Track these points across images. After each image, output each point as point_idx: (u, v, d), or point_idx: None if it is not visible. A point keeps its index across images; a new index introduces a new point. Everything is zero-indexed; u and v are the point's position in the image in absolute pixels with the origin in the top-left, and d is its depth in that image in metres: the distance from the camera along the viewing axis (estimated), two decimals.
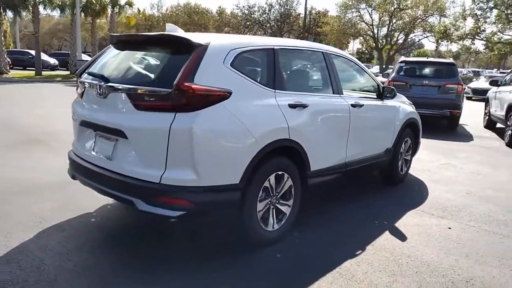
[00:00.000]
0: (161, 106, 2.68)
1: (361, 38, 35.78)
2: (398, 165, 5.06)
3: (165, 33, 3.01)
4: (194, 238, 3.38)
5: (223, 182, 2.77)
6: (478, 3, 27.00)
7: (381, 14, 33.61)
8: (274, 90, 3.17)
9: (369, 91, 4.55)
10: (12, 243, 3.09)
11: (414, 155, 5.56)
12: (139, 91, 2.76)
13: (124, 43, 3.33)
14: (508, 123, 8.43)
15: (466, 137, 9.29)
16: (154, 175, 2.70)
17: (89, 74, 3.22)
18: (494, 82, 10.44)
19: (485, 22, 27.51)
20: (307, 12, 37.61)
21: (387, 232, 3.65)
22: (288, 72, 3.37)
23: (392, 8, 32.16)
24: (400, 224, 3.85)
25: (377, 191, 4.93)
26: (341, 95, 3.94)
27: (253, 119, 2.94)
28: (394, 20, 33.52)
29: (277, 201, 3.24)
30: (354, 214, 4.09)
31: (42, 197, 4.07)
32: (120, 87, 2.86)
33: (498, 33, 27.52)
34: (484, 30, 27.42)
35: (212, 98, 2.71)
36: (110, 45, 3.41)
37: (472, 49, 28.28)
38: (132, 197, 2.78)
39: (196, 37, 2.88)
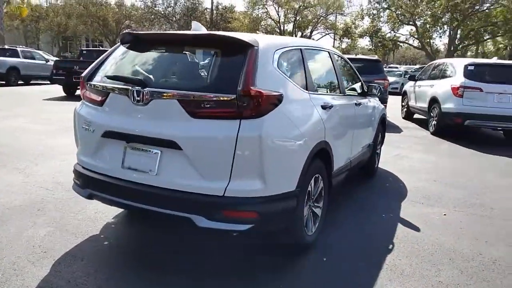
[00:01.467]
0: (223, 113, 2.47)
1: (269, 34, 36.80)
2: (375, 158, 5.38)
3: (213, 32, 2.76)
4: (226, 251, 3.20)
5: (284, 189, 2.67)
6: (374, 4, 29.66)
7: (286, 11, 34.98)
8: (308, 92, 3.13)
9: (356, 89, 4.74)
10: (30, 281, 2.60)
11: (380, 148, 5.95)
12: (195, 97, 2.50)
13: (153, 43, 2.98)
14: (431, 114, 9.45)
15: (396, 128, 10.17)
16: (217, 188, 2.49)
17: (113, 78, 2.81)
18: (412, 77, 11.62)
19: (380, 21, 30.34)
20: (214, 7, 37.51)
21: (399, 225, 3.85)
22: (312, 72, 3.34)
23: (297, 6, 33.67)
24: (404, 216, 4.10)
25: (358, 183, 5.15)
26: (345, 95, 4.04)
27: (302, 122, 2.88)
28: (298, 18, 35.13)
29: (313, 205, 3.22)
30: (352, 209, 4.23)
31: (27, 222, 3.48)
32: (169, 93, 2.56)
33: (391, 32, 30.59)
34: (380, 29, 30.22)
35: (273, 103, 2.58)
36: (122, 44, 3.03)
37: (371, 47, 30.99)
38: (190, 213, 2.53)
39: (243, 37, 2.71)
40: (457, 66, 9.06)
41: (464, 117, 8.37)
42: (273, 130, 2.54)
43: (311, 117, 3.03)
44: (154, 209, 2.66)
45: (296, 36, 37.09)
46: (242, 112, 2.44)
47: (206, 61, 2.73)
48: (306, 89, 3.13)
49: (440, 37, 29.00)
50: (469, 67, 8.64)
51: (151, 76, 2.73)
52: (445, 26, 28.41)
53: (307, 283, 2.77)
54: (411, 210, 4.28)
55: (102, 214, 3.72)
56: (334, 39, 37.28)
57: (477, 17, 25.20)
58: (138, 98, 2.61)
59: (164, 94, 2.57)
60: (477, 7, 24.04)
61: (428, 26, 28.04)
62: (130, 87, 2.65)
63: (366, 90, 4.74)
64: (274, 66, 2.75)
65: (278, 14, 35.10)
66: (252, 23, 34.79)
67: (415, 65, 52.88)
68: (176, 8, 39.86)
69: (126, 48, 3.02)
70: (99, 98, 2.88)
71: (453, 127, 8.81)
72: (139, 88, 2.61)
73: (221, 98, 2.45)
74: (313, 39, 39.60)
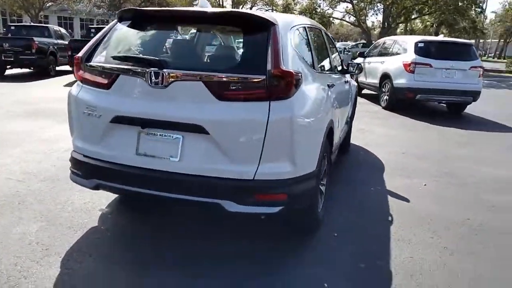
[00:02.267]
0: (252, 94, 2.38)
1: None
2: (350, 133, 5.56)
3: (234, 10, 2.61)
4: (237, 234, 3.15)
5: (309, 170, 2.66)
6: None
7: None
8: (315, 71, 3.12)
9: (338, 66, 4.80)
10: (43, 283, 2.37)
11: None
12: (223, 79, 2.37)
13: (163, 20, 2.75)
14: (383, 89, 9.89)
15: None
16: (247, 172, 2.42)
17: (123, 59, 2.57)
18: (361, 54, 12.01)
19: None
20: None
21: (389, 197, 4.04)
22: (314, 51, 3.31)
23: None
24: (389, 188, 4.29)
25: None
26: (337, 72, 4.08)
27: (318, 102, 2.87)
28: None
29: (320, 183, 3.26)
30: (341, 184, 4.33)
31: (11, 218, 3.16)
32: (194, 75, 2.40)
33: (329, 9, 31.25)
34: (319, 6, 30.72)
35: (299, 83, 2.53)
36: (121, 21, 2.78)
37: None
38: (219, 199, 2.44)
39: (262, 14, 2.60)
40: (408, 43, 9.51)
41: (416, 92, 8.87)
42: (300, 110, 2.51)
43: (323, 96, 3.03)
44: (178, 197, 2.53)
45: None
46: (271, 93, 2.37)
47: (227, 40, 2.59)
48: (313, 68, 3.11)
49: (377, 14, 29.92)
50: (419, 44, 9.11)
51: (168, 57, 2.53)
52: (379, 4, 29.58)
53: (328, 258, 2.83)
54: (393, 182, 4.49)
55: (92, 203, 3.49)
56: None
57: None
58: (157, 80, 2.42)
59: (188, 76, 2.41)
60: None
61: (364, 4, 29.01)
62: (146, 69, 2.45)
63: (347, 67, 4.82)
64: (292, 45, 2.69)
65: None
66: None
67: (347, 41, 54.65)
68: None
69: (127, 26, 2.77)
70: (105, 81, 2.62)
71: (404, 101, 9.31)
72: (157, 69, 2.42)
73: (251, 79, 2.36)
74: None
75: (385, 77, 9.76)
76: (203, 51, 2.66)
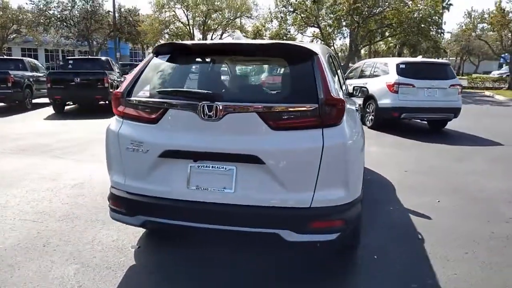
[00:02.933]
0: (306, 123, 2.42)
1: (179, 38, 35.98)
2: None
3: (278, 41, 2.65)
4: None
5: (358, 194, 2.70)
6: (281, 7, 30.81)
7: (194, 14, 34.64)
8: (346, 96, 3.21)
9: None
10: None
11: None
12: (276, 109, 2.40)
13: (205, 53, 2.77)
14: (367, 110, 10.20)
15: None
16: (303, 200, 2.43)
17: (170, 93, 2.56)
18: None
19: (286, 24, 31.62)
20: (116, 10, 35.62)
21: (410, 215, 4.11)
22: (339, 77, 3.41)
23: (205, 9, 33.53)
24: (408, 206, 4.38)
25: None
26: (351, 97, 4.20)
27: (357, 125, 2.96)
28: (208, 20, 35.03)
29: None
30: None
31: (41, 261, 3.00)
32: (248, 106, 2.42)
33: (298, 34, 32.10)
34: (289, 31, 31.52)
35: (345, 109, 2.59)
36: (159, 55, 2.77)
37: None
38: (277, 229, 2.44)
39: (304, 44, 2.67)
40: (389, 65, 9.91)
41: (401, 111, 9.21)
42: (349, 136, 2.56)
43: (356, 120, 3.11)
44: (234, 229, 2.50)
45: (206, 39, 37.03)
46: (323, 121, 2.42)
47: (274, 70, 2.63)
48: (344, 94, 3.20)
49: (345, 37, 31.00)
50: (401, 66, 9.52)
51: (217, 89, 2.55)
52: (345, 29, 30.72)
53: (378, 281, 2.84)
54: (408, 200, 4.58)
55: (121, 241, 3.37)
56: None
57: (374, 20, 27.70)
58: (210, 113, 2.42)
59: (242, 108, 2.43)
60: (374, 11, 26.44)
61: (331, 28, 30.06)
62: (197, 102, 2.45)
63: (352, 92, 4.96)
64: (330, 72, 2.76)
65: (187, 17, 34.63)
66: (161, 25, 33.80)
67: None
68: (74, 11, 36.96)
69: (166, 60, 2.77)
70: (152, 115, 2.60)
71: (389, 120, 9.62)
72: (210, 102, 2.42)
73: (304, 108, 2.40)
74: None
75: (369, 98, 10.08)
76: (251, 82, 2.68)
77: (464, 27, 30.37)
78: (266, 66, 2.73)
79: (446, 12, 26.66)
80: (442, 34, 29.54)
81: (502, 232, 3.70)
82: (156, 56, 2.82)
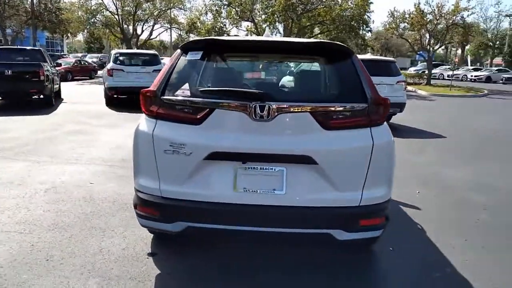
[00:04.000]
0: (356, 122, 2.45)
1: (107, 29, 33.87)
2: None
3: (321, 40, 2.61)
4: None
5: (391, 191, 2.78)
6: (216, 0, 30.50)
7: (123, 3, 32.91)
8: None
9: None
10: None
11: None
12: (330, 109, 2.40)
13: (243, 50, 2.65)
14: None
15: None
16: (353, 199, 2.47)
17: (216, 92, 2.43)
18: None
19: (221, 17, 31.40)
20: None
21: (400, 207, 4.35)
22: None
23: None
24: (397, 198, 4.60)
25: None
26: None
27: None
28: (138, 11, 33.48)
29: None
30: None
31: (54, 278, 2.71)
32: (302, 106, 2.38)
33: (233, 27, 32.04)
34: (224, 25, 31.29)
35: None
36: (191, 51, 2.62)
37: None
38: (330, 229, 2.45)
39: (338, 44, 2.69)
40: None
41: None
42: (391, 134, 2.63)
43: None
44: (285, 231, 2.46)
45: (136, 30, 35.44)
46: (371, 120, 2.47)
47: (316, 69, 2.61)
48: None
49: (280, 33, 31.48)
50: None
51: (268, 89, 2.48)
52: (278, 24, 31.30)
53: (401, 272, 2.98)
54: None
55: (133, 249, 3.16)
56: (180, 34, 37.24)
57: (307, 16, 28.57)
58: (262, 114, 2.35)
59: (295, 108, 2.38)
60: (308, 7, 27.26)
61: (266, 23, 30.43)
62: (248, 102, 2.36)
63: None
64: None
65: (116, 6, 32.76)
66: (88, 14, 31.60)
67: None
68: None
69: (200, 57, 2.61)
70: (195, 116, 2.44)
71: None
72: (262, 102, 2.35)
73: (354, 108, 2.43)
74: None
75: None
76: (297, 81, 2.63)
77: (387, 26, 32.39)
78: (309, 65, 2.69)
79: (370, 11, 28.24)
80: (370, 32, 31.35)
81: (485, 219, 4.07)
82: (185, 53, 2.66)
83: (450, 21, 29.25)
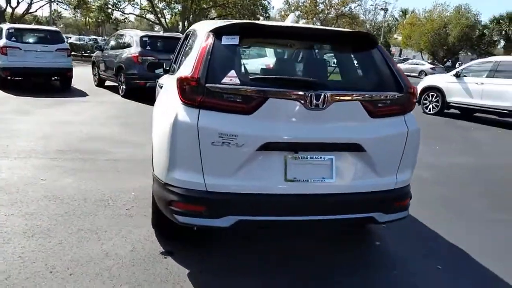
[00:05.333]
0: (394, 110, 2.57)
1: None
2: None
3: (356, 30, 2.61)
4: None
5: None
6: None
7: None
8: None
9: None
10: None
11: None
12: (376, 97, 2.47)
13: (280, 36, 2.58)
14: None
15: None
16: (390, 182, 2.61)
17: (269, 80, 2.32)
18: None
19: None
20: None
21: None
22: None
23: None
24: None
25: None
26: None
27: None
28: None
29: None
30: None
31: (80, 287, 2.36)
32: (355, 95, 2.42)
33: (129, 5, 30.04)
34: (119, 1, 29.03)
35: None
36: (226, 35, 2.45)
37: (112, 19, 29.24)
38: (371, 212, 2.56)
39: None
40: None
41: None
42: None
43: None
44: (333, 218, 2.50)
45: (10, 1, 30.93)
46: (405, 108, 2.62)
47: (354, 58, 2.64)
48: None
49: (177, 14, 30.30)
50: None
51: (320, 78, 2.45)
52: (177, 5, 30.25)
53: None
54: None
55: (141, 250, 2.89)
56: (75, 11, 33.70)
57: None
58: (317, 103, 2.32)
59: (348, 96, 2.41)
60: None
61: (163, 3, 29.24)
62: (305, 91, 2.32)
63: None
64: None
65: None
66: None
67: None
68: None
69: (237, 42, 2.45)
70: (247, 105, 2.30)
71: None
72: (318, 91, 2.33)
73: (394, 96, 2.54)
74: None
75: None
76: (341, 69, 2.62)
77: (282, 13, 33.75)
78: (347, 54, 2.71)
79: None
80: (268, 18, 32.23)
81: (490, 201, 4.52)
82: (217, 37, 2.47)
83: (339, 12, 31.67)
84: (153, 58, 9.76)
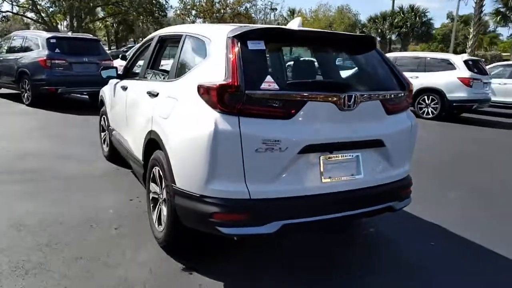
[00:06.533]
0: (402, 107, 2.82)
1: None
2: None
3: (363, 34, 2.75)
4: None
5: None
6: None
7: None
8: None
9: None
10: None
11: None
12: (390, 96, 2.69)
13: (309, 41, 2.67)
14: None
15: None
16: (401, 172, 2.86)
17: (306, 85, 2.38)
18: None
19: None
20: None
21: None
22: None
23: None
24: None
25: None
26: None
27: None
28: None
29: None
30: None
31: None
32: (377, 95, 2.61)
33: None
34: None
35: None
36: (251, 40, 2.42)
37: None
38: (391, 201, 2.78)
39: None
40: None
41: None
42: None
43: None
44: (361, 211, 2.65)
45: None
46: (407, 104, 2.89)
47: (361, 60, 2.81)
48: None
49: (64, 13, 27.65)
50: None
51: (347, 79, 2.58)
52: (64, 2, 27.80)
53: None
54: None
55: (160, 270, 2.71)
56: None
57: None
58: (349, 103, 2.45)
59: (372, 96, 2.58)
60: None
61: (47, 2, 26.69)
62: (339, 93, 2.43)
63: None
64: None
65: None
66: None
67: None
68: None
69: (263, 47, 2.42)
70: (287, 110, 2.33)
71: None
72: (350, 93, 2.46)
73: (402, 94, 2.79)
74: None
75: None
76: (359, 71, 2.76)
77: (178, 12, 33.19)
78: (360, 56, 2.85)
79: None
80: (165, 17, 31.41)
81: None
82: (242, 42, 2.43)
83: (236, 11, 32.26)
84: (64, 61, 9.31)
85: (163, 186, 2.81)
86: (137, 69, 4.51)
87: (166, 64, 4.02)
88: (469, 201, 4.43)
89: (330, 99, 2.43)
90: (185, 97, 2.61)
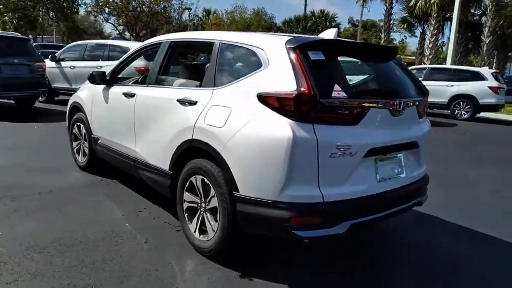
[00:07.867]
0: (425, 111, 3.18)
1: None
2: None
3: (393, 46, 3.01)
4: None
5: None
6: None
7: None
8: None
9: None
10: None
11: None
12: (421, 102, 3.03)
13: (361, 52, 3.00)
14: None
15: None
16: (423, 170, 3.19)
17: (369, 92, 2.74)
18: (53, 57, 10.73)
19: None
20: None
21: None
22: None
23: None
24: None
25: None
26: None
27: None
28: None
29: None
30: None
31: None
32: (417, 101, 2.96)
33: None
34: None
35: None
36: (311, 50, 2.55)
37: None
38: (420, 197, 3.10)
39: None
40: None
41: None
42: None
43: None
44: (403, 207, 2.92)
45: None
46: (426, 109, 3.26)
47: (388, 69, 3.07)
48: None
49: None
50: None
51: (396, 87, 2.93)
52: None
53: None
54: None
55: (163, 270, 2.71)
56: None
57: None
58: (400, 109, 2.72)
59: (414, 102, 2.91)
60: None
61: None
62: (394, 100, 2.70)
63: None
64: None
65: None
66: None
67: None
68: None
69: (321, 57, 2.57)
70: (355, 116, 2.52)
71: None
72: (402, 99, 2.74)
73: (425, 99, 3.14)
74: None
75: None
76: (397, 79, 3.02)
77: (89, 9, 31.17)
78: (395, 65, 3.10)
79: None
80: (77, 14, 29.31)
81: None
82: (303, 52, 2.53)
83: (153, 10, 31.35)
84: None
85: (210, 195, 2.79)
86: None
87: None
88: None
89: (387, 105, 2.67)
90: (243, 106, 2.62)
